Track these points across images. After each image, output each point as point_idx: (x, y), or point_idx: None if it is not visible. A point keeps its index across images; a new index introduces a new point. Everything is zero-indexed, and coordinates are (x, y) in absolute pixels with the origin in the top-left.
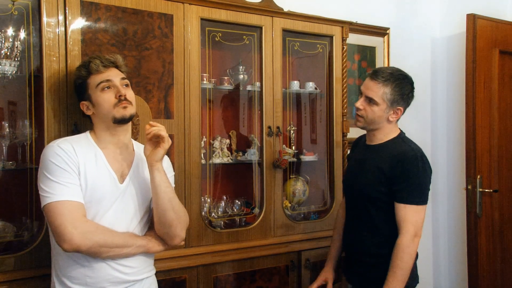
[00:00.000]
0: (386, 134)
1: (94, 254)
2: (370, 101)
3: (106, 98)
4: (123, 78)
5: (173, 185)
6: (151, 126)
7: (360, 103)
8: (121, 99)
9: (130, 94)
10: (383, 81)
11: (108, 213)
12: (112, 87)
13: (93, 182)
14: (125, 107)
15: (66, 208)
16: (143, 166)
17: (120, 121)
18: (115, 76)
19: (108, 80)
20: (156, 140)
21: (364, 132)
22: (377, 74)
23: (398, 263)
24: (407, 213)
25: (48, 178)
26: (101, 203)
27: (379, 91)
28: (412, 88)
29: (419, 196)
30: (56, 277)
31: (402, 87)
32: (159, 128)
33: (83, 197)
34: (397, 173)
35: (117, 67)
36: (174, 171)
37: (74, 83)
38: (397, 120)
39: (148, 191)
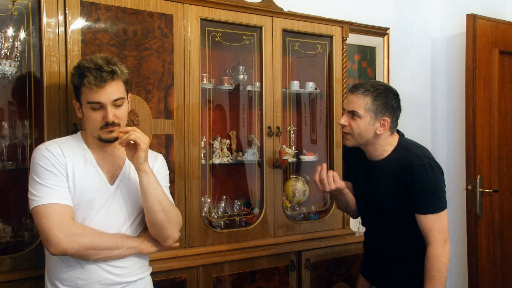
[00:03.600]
0: (384, 147)
1: (82, 257)
2: (353, 115)
3: (94, 118)
4: (116, 99)
5: (168, 185)
6: (123, 133)
7: (344, 120)
8: (108, 123)
9: (121, 113)
10: (363, 92)
11: (99, 214)
12: (101, 109)
13: (81, 184)
14: (111, 131)
15: (53, 211)
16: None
17: (105, 142)
18: (107, 98)
19: (98, 103)
20: (133, 144)
21: None
22: (357, 87)
23: (433, 274)
24: (430, 223)
25: (36, 181)
26: (91, 205)
27: (361, 102)
28: (398, 99)
29: (437, 203)
30: (48, 279)
31: (385, 97)
32: (129, 133)
33: (71, 200)
34: (409, 185)
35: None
36: (173, 171)
37: (70, 81)
38: (391, 132)
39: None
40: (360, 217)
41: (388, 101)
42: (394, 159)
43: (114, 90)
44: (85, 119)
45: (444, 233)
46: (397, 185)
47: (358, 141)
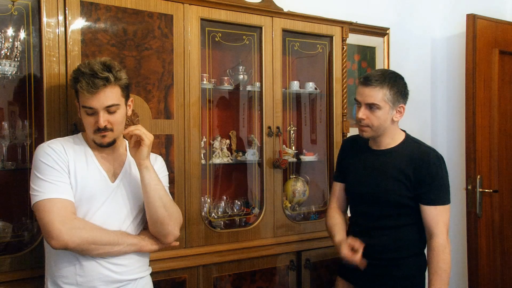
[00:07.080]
0: (393, 137)
1: (83, 252)
2: (372, 107)
3: (88, 122)
4: (109, 106)
5: (167, 185)
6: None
7: (362, 113)
8: (100, 128)
9: (115, 119)
10: (379, 83)
11: (99, 211)
12: (94, 114)
13: (83, 181)
14: (103, 136)
15: (55, 206)
16: (135, 165)
17: (99, 146)
18: (99, 104)
19: (91, 108)
20: (137, 140)
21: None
22: (370, 79)
23: (441, 265)
24: (438, 214)
25: (38, 177)
26: (92, 202)
27: (379, 94)
28: (405, 83)
29: (446, 196)
30: (49, 278)
31: (398, 83)
32: (136, 127)
33: (73, 196)
34: (423, 175)
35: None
36: (173, 171)
37: (69, 83)
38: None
39: (141, 190)
40: (350, 214)
41: (401, 89)
42: (406, 149)
43: (107, 96)
44: (83, 122)
45: (447, 227)
46: (406, 174)
47: (376, 133)
